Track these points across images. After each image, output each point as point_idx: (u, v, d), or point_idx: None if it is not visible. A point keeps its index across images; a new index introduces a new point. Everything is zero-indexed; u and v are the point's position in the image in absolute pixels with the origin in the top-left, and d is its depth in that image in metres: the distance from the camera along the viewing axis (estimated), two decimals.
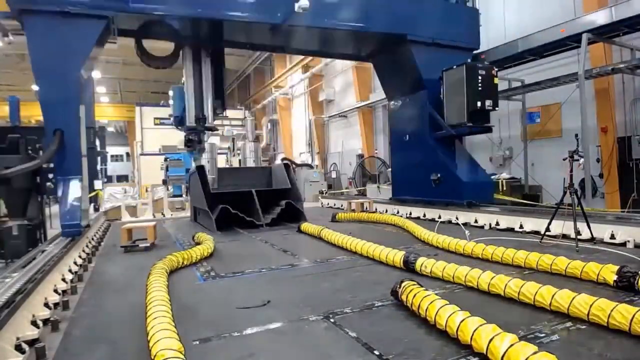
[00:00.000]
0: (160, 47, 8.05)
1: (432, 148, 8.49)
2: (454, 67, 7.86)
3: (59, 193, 6.12)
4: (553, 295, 2.75)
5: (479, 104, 7.61)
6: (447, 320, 2.39)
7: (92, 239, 6.71)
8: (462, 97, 7.69)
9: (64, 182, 6.18)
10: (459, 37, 8.77)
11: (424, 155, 8.70)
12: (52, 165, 6.41)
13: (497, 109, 7.95)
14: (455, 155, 8.64)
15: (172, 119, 9.05)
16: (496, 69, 8.06)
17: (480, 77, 7.63)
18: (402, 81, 9.20)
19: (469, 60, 8.11)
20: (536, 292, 2.85)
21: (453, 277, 3.52)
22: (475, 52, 9.23)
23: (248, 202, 7.74)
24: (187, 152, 8.43)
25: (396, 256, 4.16)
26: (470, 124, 7.70)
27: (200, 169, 8.27)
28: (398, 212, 8.81)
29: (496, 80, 7.92)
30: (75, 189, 6.18)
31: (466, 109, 7.63)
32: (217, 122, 8.89)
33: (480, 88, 7.63)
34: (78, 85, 6.37)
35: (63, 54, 6.16)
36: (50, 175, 6.48)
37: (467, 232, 5.36)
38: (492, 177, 10.78)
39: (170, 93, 9.19)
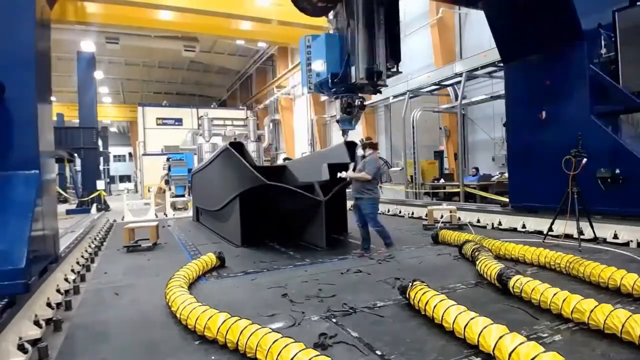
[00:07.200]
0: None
1: (595, 129, 5.64)
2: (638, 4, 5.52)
3: None
4: None
5: None
6: (454, 319, 2.40)
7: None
8: None
9: (2, 182, 3.31)
10: None
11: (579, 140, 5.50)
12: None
13: None
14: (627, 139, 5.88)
15: (312, 78, 5.99)
16: None
17: None
18: (539, 30, 6.40)
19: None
20: None
21: None
22: None
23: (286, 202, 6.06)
24: (343, 120, 5.95)
25: None
26: None
27: (239, 146, 6.28)
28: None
29: None
30: (21, 198, 3.29)
31: None
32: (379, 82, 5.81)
33: None
34: (33, 17, 3.73)
35: None
36: None
37: None
38: (495, 177, 10.77)
39: (313, 43, 5.97)
